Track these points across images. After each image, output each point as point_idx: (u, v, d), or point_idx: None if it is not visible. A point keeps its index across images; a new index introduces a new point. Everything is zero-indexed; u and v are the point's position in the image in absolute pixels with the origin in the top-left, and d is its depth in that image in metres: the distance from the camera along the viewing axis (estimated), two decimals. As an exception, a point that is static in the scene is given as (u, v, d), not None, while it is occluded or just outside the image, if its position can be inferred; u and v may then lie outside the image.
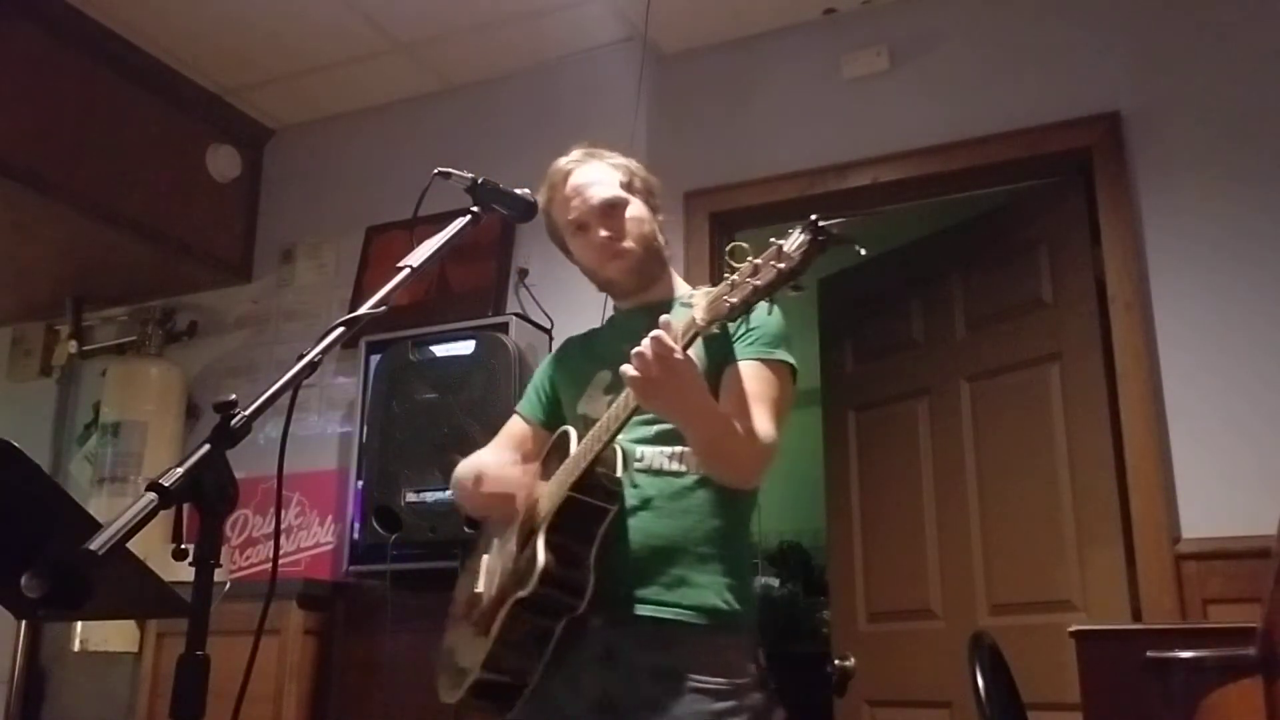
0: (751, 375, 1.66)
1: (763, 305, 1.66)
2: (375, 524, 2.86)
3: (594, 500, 1.59)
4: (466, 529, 2.67)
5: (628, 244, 1.77)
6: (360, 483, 3.13)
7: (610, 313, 1.95)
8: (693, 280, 2.03)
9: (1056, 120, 2.84)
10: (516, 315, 3.09)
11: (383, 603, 2.89)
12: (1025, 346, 2.94)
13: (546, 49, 3.37)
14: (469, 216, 1.61)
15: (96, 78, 3.36)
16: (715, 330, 1.44)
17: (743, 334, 1.70)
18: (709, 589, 1.63)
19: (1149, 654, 1.39)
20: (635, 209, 1.80)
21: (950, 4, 3.09)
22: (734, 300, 1.36)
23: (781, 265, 1.31)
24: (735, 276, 1.36)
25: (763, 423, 1.62)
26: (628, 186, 1.81)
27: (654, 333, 1.43)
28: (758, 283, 1.33)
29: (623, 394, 1.56)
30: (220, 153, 3.72)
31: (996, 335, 3.03)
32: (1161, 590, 2.46)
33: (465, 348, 2.96)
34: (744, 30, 3.29)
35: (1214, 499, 2.47)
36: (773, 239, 1.33)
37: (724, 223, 3.19)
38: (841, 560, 3.33)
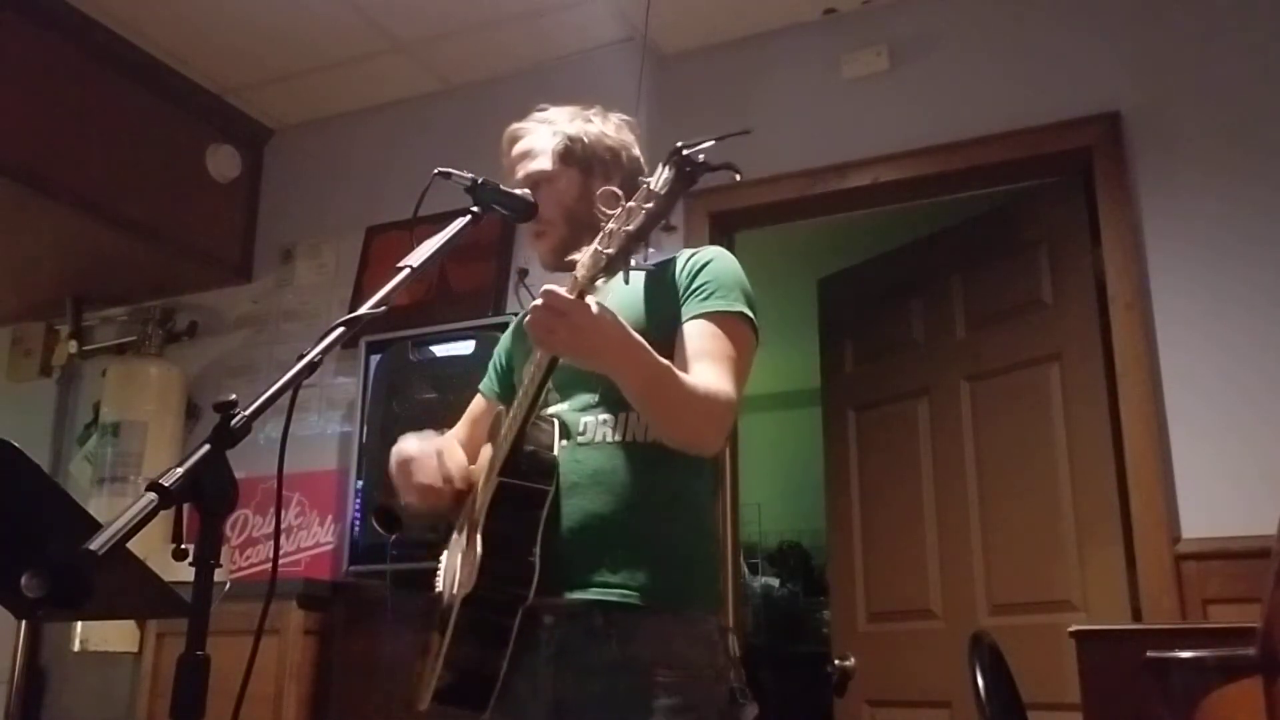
0: (698, 334, 1.53)
1: (713, 253, 1.60)
2: (375, 524, 2.86)
3: (528, 482, 1.48)
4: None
5: (547, 223, 1.67)
6: (360, 483, 3.13)
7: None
8: None
9: (1056, 120, 2.84)
10: (516, 315, 3.08)
11: (383, 603, 2.89)
12: (1025, 346, 2.94)
13: (546, 49, 3.37)
14: (469, 216, 1.59)
15: (96, 77, 3.36)
16: (602, 284, 1.31)
17: (693, 289, 1.58)
18: (657, 567, 1.51)
19: (1149, 654, 1.39)
20: (563, 182, 1.67)
21: (950, 4, 3.09)
22: (610, 251, 1.25)
23: (649, 205, 1.21)
24: (612, 225, 1.26)
25: (713, 378, 1.48)
26: (565, 155, 1.68)
27: (544, 288, 1.34)
28: (629, 228, 1.22)
29: (531, 362, 1.48)
30: (220, 153, 3.72)
31: (996, 335, 3.03)
32: (1161, 590, 2.46)
33: (465, 348, 2.97)
34: (744, 30, 3.29)
35: (1214, 499, 2.47)
36: (642, 179, 1.25)
37: (724, 223, 3.19)
38: (841, 560, 3.33)
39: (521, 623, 1.48)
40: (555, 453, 1.52)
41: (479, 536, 1.47)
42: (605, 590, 1.49)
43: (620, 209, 1.25)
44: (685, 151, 1.22)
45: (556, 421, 1.56)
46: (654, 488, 1.55)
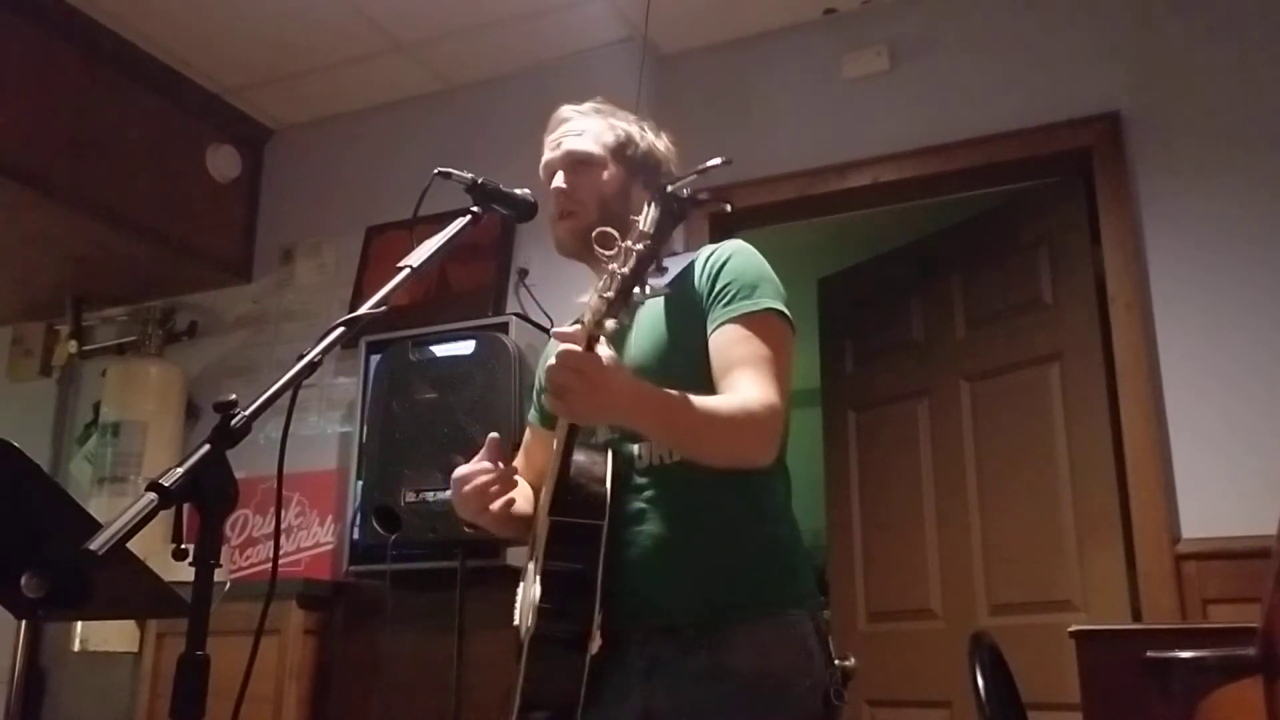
0: (727, 342, 1.50)
1: (731, 249, 1.56)
2: (375, 524, 2.86)
3: (579, 519, 1.46)
4: (466, 529, 2.67)
5: (579, 203, 1.65)
6: (360, 483, 3.12)
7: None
8: None
9: (1056, 120, 2.84)
10: (516, 315, 3.09)
11: (383, 603, 2.89)
12: (1025, 346, 2.94)
13: (546, 49, 3.37)
14: (469, 216, 1.59)
15: (97, 78, 3.36)
16: (611, 326, 1.28)
17: (716, 294, 1.54)
18: (738, 576, 1.50)
19: (1149, 654, 1.39)
20: (608, 173, 1.66)
21: (950, 4, 3.09)
22: (609, 295, 1.24)
23: (640, 247, 1.21)
24: (613, 265, 1.24)
25: (750, 389, 1.45)
26: (616, 150, 1.68)
27: (559, 349, 1.30)
28: (624, 271, 1.22)
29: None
30: (220, 153, 3.72)
31: (996, 335, 3.03)
32: (1161, 590, 2.46)
33: (465, 348, 2.96)
34: (744, 30, 3.29)
35: (1214, 499, 2.47)
36: (633, 217, 1.24)
37: (724, 223, 3.19)
38: (841, 560, 3.33)
39: (611, 645, 1.45)
40: (607, 485, 1.49)
41: (538, 578, 1.46)
42: (689, 612, 1.48)
43: (617, 249, 1.24)
44: (669, 189, 1.22)
45: (609, 451, 1.52)
46: (719, 501, 1.52)
